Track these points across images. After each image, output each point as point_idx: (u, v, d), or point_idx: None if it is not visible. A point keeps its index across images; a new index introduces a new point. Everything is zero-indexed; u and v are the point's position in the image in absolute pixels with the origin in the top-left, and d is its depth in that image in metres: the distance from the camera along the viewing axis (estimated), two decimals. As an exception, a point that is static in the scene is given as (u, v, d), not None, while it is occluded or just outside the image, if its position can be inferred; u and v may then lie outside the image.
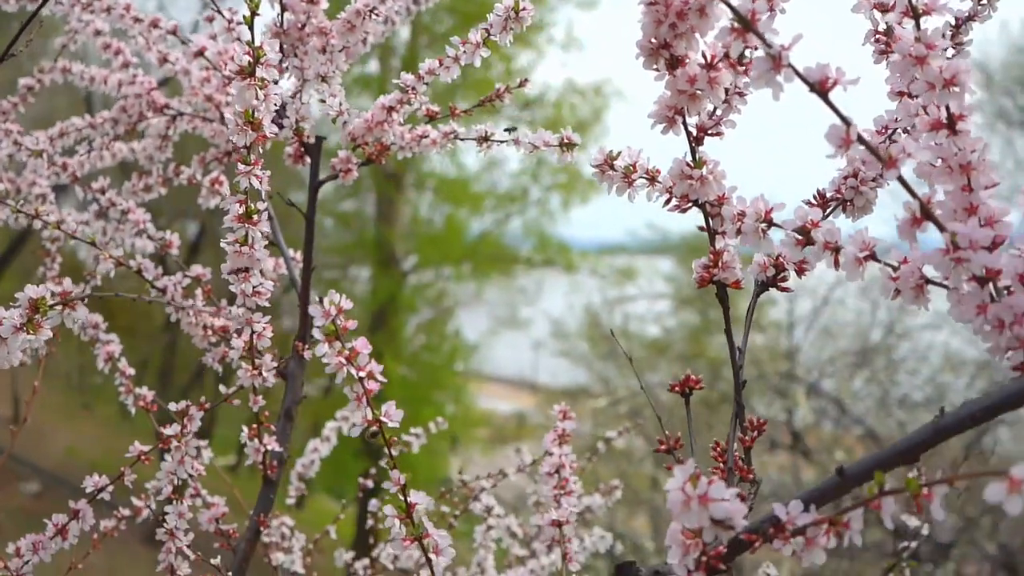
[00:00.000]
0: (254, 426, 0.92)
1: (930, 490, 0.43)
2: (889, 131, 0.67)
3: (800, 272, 0.65)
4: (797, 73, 0.48)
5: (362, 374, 0.59)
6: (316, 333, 0.59)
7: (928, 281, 0.52)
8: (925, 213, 0.49)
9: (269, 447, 0.93)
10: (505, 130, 0.89)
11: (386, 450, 0.61)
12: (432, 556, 0.61)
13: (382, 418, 0.60)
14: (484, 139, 0.89)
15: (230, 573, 0.93)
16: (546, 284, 11.60)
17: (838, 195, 0.65)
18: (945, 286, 0.51)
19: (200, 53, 1.03)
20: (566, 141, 0.81)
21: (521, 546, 1.26)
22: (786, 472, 6.20)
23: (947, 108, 0.51)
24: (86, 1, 1.07)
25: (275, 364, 0.88)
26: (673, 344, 9.35)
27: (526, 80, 0.95)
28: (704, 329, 8.97)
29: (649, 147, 0.64)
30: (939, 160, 0.52)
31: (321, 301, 0.58)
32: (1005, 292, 0.50)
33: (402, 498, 0.62)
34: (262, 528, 0.95)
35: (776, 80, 0.48)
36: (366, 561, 1.46)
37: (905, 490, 0.44)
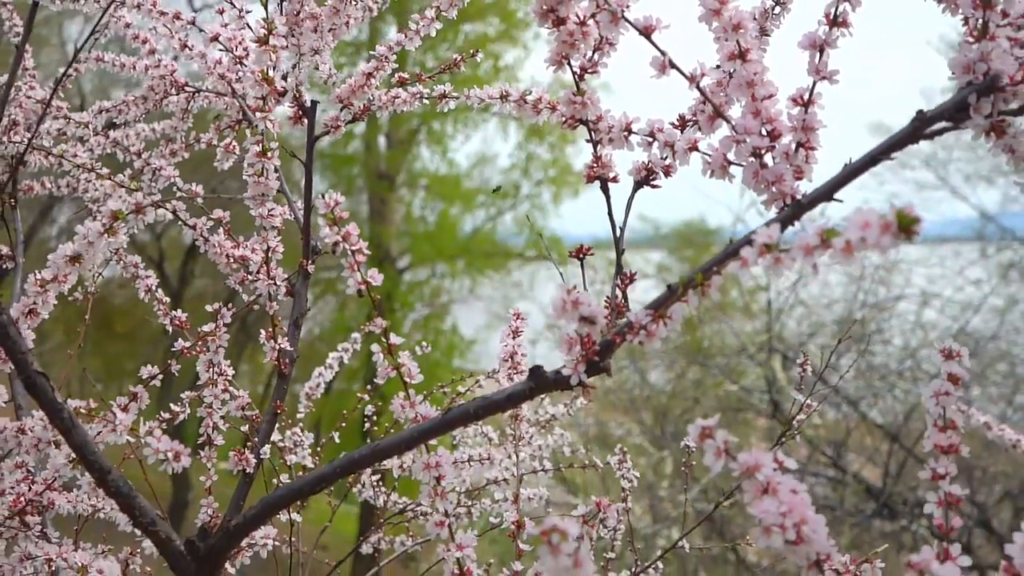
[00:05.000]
0: (270, 329, 1.17)
1: (710, 282, 0.68)
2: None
3: (667, 173, 0.90)
4: (629, 23, 0.73)
5: (354, 247, 0.84)
6: (323, 221, 0.83)
7: (729, 162, 0.77)
8: (717, 112, 0.75)
9: (283, 346, 1.18)
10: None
11: (372, 303, 0.86)
12: (407, 380, 0.87)
13: (368, 279, 0.85)
14: (443, 96, 1.14)
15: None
16: (538, 278, 11.77)
17: (694, 117, 0.90)
18: (738, 164, 0.77)
19: (215, 38, 1.28)
20: (503, 94, 1.06)
21: (493, 447, 1.52)
22: (771, 440, 6.48)
23: (738, 43, 0.76)
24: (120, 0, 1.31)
25: (286, 276, 1.13)
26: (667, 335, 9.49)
27: (477, 51, 1.20)
28: (697, 318, 9.18)
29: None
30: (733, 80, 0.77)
31: (323, 196, 0.83)
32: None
33: (385, 341, 0.87)
34: (279, 412, 1.20)
35: (616, 29, 0.73)
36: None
37: (697, 283, 0.69)
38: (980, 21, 0.67)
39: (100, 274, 1.59)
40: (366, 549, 1.66)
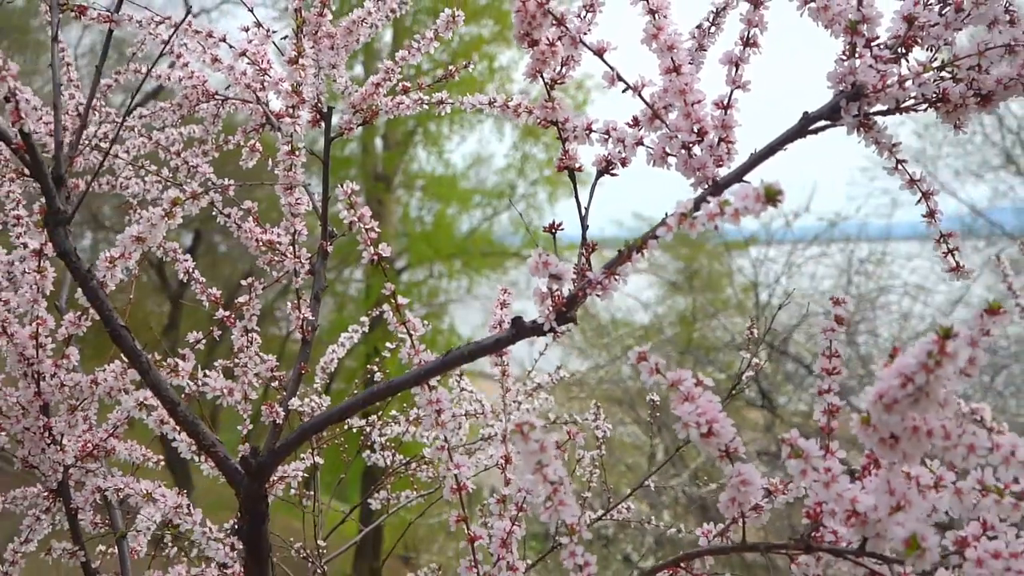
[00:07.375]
0: (295, 301, 1.38)
1: (646, 242, 0.88)
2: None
3: (623, 164, 1.11)
4: (585, 45, 0.94)
5: (367, 226, 1.05)
6: (340, 208, 1.04)
7: (667, 153, 0.98)
8: (655, 115, 0.95)
9: (306, 316, 1.39)
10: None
11: (384, 274, 1.06)
12: (412, 333, 1.07)
13: (379, 252, 1.05)
14: (441, 102, 1.35)
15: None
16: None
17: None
18: (673, 155, 0.97)
19: (243, 53, 1.48)
20: (491, 100, 1.27)
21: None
22: (758, 428, 6.70)
23: (672, 60, 0.97)
24: (158, 20, 1.52)
25: (309, 255, 1.33)
26: (663, 329, 9.70)
27: (469, 62, 1.41)
28: (692, 314, 9.35)
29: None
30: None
31: (341, 185, 1.04)
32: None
33: (393, 300, 1.07)
34: (303, 372, 1.41)
35: (576, 50, 0.94)
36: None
37: (639, 247, 0.89)
38: (849, 43, 0.87)
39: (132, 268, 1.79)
40: (375, 505, 1.87)
